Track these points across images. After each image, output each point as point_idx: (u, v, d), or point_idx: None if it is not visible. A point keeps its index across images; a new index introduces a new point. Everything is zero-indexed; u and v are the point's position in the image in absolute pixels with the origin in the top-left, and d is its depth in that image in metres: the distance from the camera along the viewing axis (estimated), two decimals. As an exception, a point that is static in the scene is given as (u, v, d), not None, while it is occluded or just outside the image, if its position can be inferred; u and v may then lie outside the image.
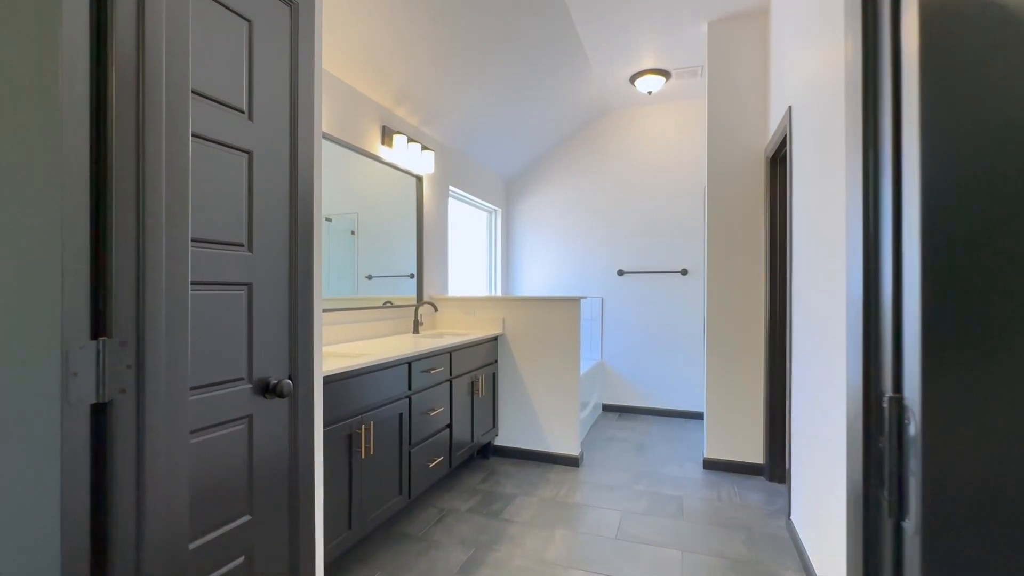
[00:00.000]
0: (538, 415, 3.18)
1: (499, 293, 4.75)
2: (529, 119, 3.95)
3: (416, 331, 3.05)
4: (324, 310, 2.45)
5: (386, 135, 2.95)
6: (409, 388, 2.20)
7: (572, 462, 3.09)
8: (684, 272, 4.27)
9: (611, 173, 4.53)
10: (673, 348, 4.31)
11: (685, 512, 2.46)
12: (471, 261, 4.45)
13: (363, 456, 1.86)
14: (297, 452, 1.31)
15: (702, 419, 4.14)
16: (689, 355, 4.27)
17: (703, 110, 4.22)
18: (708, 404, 3.05)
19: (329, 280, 2.61)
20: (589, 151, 4.60)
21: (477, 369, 2.94)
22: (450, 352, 2.59)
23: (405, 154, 3.02)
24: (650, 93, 3.84)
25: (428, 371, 2.35)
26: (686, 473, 2.99)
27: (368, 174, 2.86)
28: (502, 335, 3.26)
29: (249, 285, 1.18)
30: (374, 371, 1.96)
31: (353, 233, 2.81)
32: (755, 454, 2.95)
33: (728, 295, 3.00)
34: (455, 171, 3.84)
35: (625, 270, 4.48)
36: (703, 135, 4.20)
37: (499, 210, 4.76)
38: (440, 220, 3.61)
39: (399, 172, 3.12)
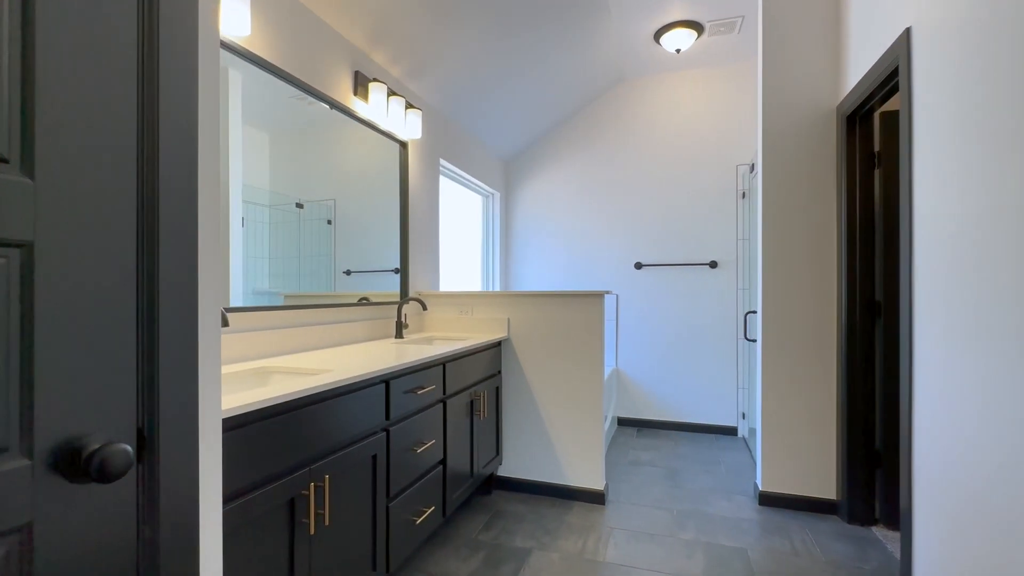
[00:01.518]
0: (552, 439, 2.56)
1: (498, 289, 4.12)
2: (534, 84, 3.33)
3: (400, 335, 2.41)
4: (271, 309, 1.80)
5: (360, 84, 2.30)
6: (387, 417, 1.56)
7: (596, 498, 2.47)
8: (713, 264, 3.68)
9: (628, 152, 3.92)
10: (700, 353, 3.72)
11: (757, 574, 1.85)
12: (464, 253, 3.81)
13: (313, 530, 1.21)
14: (157, 565, 0.67)
15: (735, 435, 3.56)
16: (719, 360, 3.67)
17: (738, 75, 3.64)
18: (763, 424, 2.46)
19: (300, 278, 1.99)
20: (602, 126, 3.99)
21: (478, 383, 2.30)
22: (444, 363, 1.95)
23: (385, 112, 2.38)
24: (678, 51, 3.24)
25: (415, 391, 1.72)
26: (740, 511, 2.38)
27: (342, 141, 2.20)
28: (507, 339, 2.63)
29: (26, 247, 0.54)
30: (333, 396, 1.32)
31: (330, 223, 2.17)
32: (826, 487, 2.35)
33: (789, 290, 2.41)
34: (446, 141, 3.20)
35: (644, 263, 3.88)
36: (737, 106, 3.62)
37: (497, 194, 4.12)
38: (429, 199, 2.97)
39: (379, 135, 2.47)
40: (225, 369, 1.46)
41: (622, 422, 3.90)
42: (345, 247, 2.27)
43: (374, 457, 1.49)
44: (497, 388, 2.55)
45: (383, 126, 2.47)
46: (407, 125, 2.58)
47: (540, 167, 4.16)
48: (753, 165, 3.22)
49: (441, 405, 1.93)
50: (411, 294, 2.75)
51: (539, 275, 4.16)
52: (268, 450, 1.09)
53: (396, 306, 2.58)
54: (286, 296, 1.91)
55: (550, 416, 2.56)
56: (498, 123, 3.64)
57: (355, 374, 1.38)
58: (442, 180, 3.37)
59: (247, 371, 1.48)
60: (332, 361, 1.64)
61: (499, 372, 2.60)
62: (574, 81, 3.58)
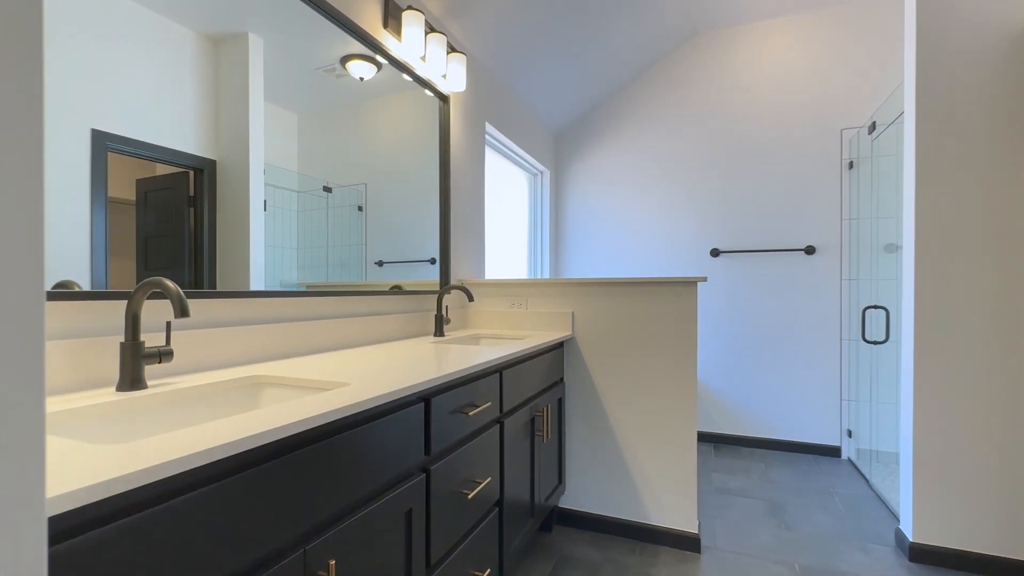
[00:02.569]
0: (630, 465, 2.03)
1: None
2: (591, 39, 2.79)
3: (440, 332, 1.93)
4: (273, 295, 1.35)
5: (391, 14, 1.83)
6: (427, 451, 1.07)
7: (689, 544, 1.92)
8: (809, 250, 3.05)
9: (701, 120, 3.33)
10: (792, 356, 3.10)
11: None
12: (508, 240, 3.30)
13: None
14: None
15: (838, 456, 2.93)
16: (817, 366, 3.04)
17: (846, 16, 2.99)
18: (915, 454, 1.85)
19: (328, 268, 1.62)
20: (670, 91, 3.41)
21: (538, 395, 1.80)
22: (501, 371, 1.45)
23: (423, 51, 1.89)
24: (776, -13, 2.64)
25: (464, 410, 1.22)
26: (885, 569, 1.79)
27: (374, 117, 1.80)
28: (571, 339, 2.12)
29: None
30: (350, 426, 0.84)
31: (360, 209, 1.76)
32: (1017, 545, 1.73)
33: (957, 280, 1.79)
34: (493, 104, 2.70)
35: (722, 249, 3.28)
36: (843, 56, 2.98)
37: (546, 171, 3.60)
38: (474, 170, 2.48)
39: (415, 95, 1.99)
40: (204, 378, 1.01)
41: (698, 436, 3.31)
42: (377, 236, 1.87)
43: (408, 513, 1.00)
44: (560, 400, 2.04)
45: (420, 71, 1.99)
46: (449, 73, 2.09)
47: (596, 140, 3.61)
48: (873, 124, 2.58)
49: (498, 427, 1.43)
50: (453, 281, 2.27)
51: (594, 265, 3.62)
52: (232, 527, 0.62)
53: (435, 296, 2.10)
54: (308, 286, 1.51)
55: (626, 435, 2.03)
56: (549, 86, 3.12)
57: (382, 391, 0.89)
58: (487, 150, 2.87)
59: (231, 383, 1.02)
60: (353, 367, 1.16)
61: (561, 380, 2.09)
62: (637, 37, 3.02)
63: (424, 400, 1.07)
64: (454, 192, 2.28)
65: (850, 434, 2.95)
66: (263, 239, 1.34)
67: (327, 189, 1.61)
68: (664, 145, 3.42)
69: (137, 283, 1.00)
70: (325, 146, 1.59)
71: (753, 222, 3.20)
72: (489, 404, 1.31)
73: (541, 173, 3.61)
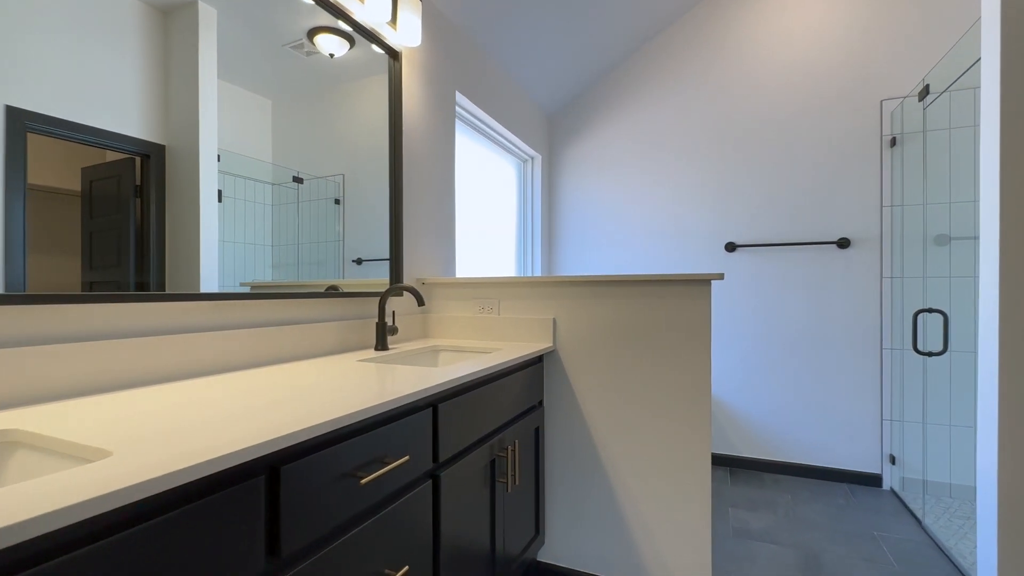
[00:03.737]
0: (625, 509, 1.61)
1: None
2: (589, 7, 2.37)
3: (382, 345, 1.52)
4: (171, 298, 0.95)
5: (313, -62, 1.43)
6: (273, 551, 0.66)
7: (701, 618, 1.49)
8: (843, 243, 2.60)
9: (713, 96, 2.89)
10: (822, 367, 2.65)
11: None
12: (492, 233, 2.89)
13: None
14: None
15: (879, 486, 2.48)
16: (853, 379, 2.59)
17: (881, -29, 2.53)
18: (1002, 498, 1.40)
19: (300, 268, 1.44)
20: (676, 64, 2.97)
21: (504, 428, 1.38)
22: (434, 404, 1.04)
23: (358, -11, 1.49)
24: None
25: (356, 473, 0.81)
26: (965, 663, 1.35)
27: (352, 102, 1.63)
28: (552, 351, 1.70)
29: None
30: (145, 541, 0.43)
31: (338, 202, 1.59)
32: None
33: (1059, 269, 1.35)
34: (467, 71, 2.29)
35: (739, 243, 2.83)
36: (884, 14, 2.52)
37: (538, 156, 3.19)
38: (440, 147, 2.07)
39: (348, 35, 1.59)
40: None
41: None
42: (357, 231, 1.65)
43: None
44: (537, 431, 1.62)
45: (358, 15, 1.59)
46: (399, 24, 1.69)
47: (594, 122, 3.19)
48: (926, 89, 2.12)
49: (429, 484, 1.01)
50: (406, 280, 1.86)
51: (593, 263, 3.19)
52: None
53: (377, 299, 1.69)
54: (254, 287, 1.26)
55: (621, 471, 1.61)
56: (538, 58, 2.70)
57: (164, 470, 0.49)
58: (462, 131, 2.46)
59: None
60: (188, 408, 0.76)
61: (539, 404, 1.67)
62: (641, 1, 2.60)
63: (272, 470, 0.67)
64: (411, 173, 1.88)
65: (893, 460, 2.49)
66: (216, 234, 1.17)
67: (298, 180, 1.42)
68: (672, 125, 2.98)
69: (82, 283, 0.91)
70: (300, 134, 1.42)
71: (775, 211, 2.75)
72: (407, 459, 0.89)
73: (532, 159, 3.20)
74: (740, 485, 2.57)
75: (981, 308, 1.48)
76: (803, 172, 2.69)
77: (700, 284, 1.52)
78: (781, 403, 2.72)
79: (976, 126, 2.34)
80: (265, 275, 1.31)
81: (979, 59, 1.56)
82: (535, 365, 1.62)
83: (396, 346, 1.60)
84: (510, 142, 2.89)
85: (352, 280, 1.60)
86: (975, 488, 2.36)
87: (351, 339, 1.54)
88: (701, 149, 2.91)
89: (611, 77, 3.13)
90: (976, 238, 2.35)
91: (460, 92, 2.20)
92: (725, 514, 2.23)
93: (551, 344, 1.68)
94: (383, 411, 0.83)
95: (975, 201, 2.36)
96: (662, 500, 1.56)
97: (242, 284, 1.24)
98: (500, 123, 2.62)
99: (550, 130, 3.32)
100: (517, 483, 1.40)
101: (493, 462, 1.30)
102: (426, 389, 0.95)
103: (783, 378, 2.72)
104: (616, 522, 1.62)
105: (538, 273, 3.19)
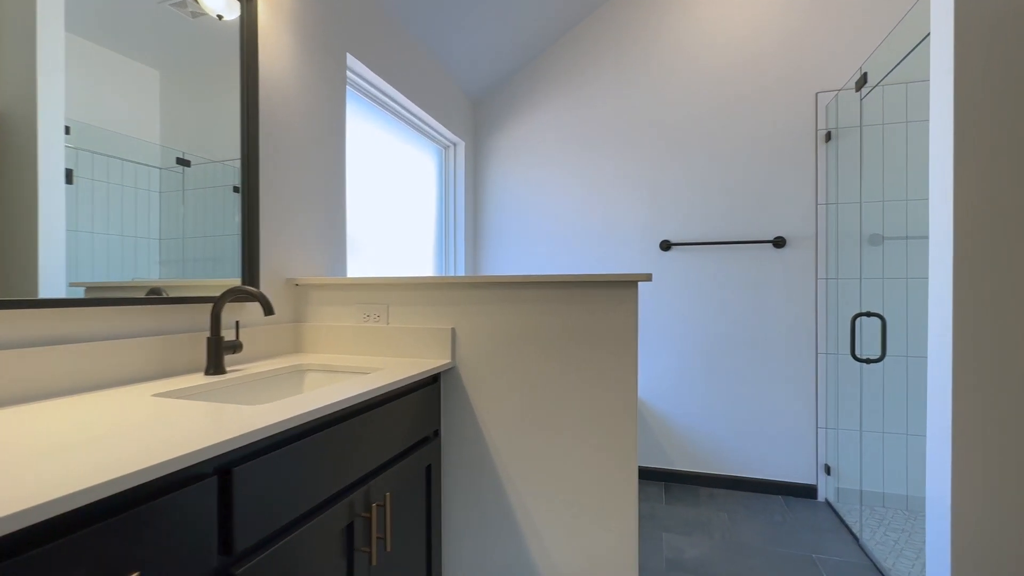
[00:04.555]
0: (539, 563, 1.32)
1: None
2: (511, -52, 2.08)
3: (217, 369, 1.14)
4: None
5: None
6: None
7: None
8: (779, 243, 2.46)
9: (649, 85, 2.69)
10: (757, 373, 2.50)
11: None
12: (409, 228, 2.54)
13: None
14: None
15: (814, 497, 2.36)
16: (787, 386, 2.46)
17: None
18: (956, 516, 1.23)
19: (185, 266, 1.19)
20: (607, 50, 2.75)
21: (372, 476, 1.05)
22: (224, 472, 0.69)
23: None
24: None
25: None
26: None
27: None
28: (450, 368, 1.39)
29: None
30: None
31: (237, 190, 1.33)
32: None
33: (1014, 280, 1.19)
34: (364, 32, 1.93)
35: (674, 241, 2.65)
36: (813, 11, 2.40)
37: (461, 143, 2.87)
38: (324, 119, 1.70)
39: None
40: None
41: (642, 473, 2.67)
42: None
43: None
44: (429, 469, 1.30)
45: (186, -67, 1.20)
46: (253, -49, 1.31)
47: (523, 110, 2.91)
48: (864, 78, 1.99)
49: (212, 593, 0.67)
50: (263, 282, 1.48)
51: (523, 263, 2.91)
52: None
53: (240, 306, 1.31)
54: (89, 289, 0.99)
55: (534, 516, 1.33)
56: (460, 35, 2.38)
57: None
58: (362, 107, 2.10)
59: None
60: None
61: (436, 434, 1.35)
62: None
63: None
64: (280, 147, 1.50)
65: (828, 470, 2.38)
66: (64, 223, 0.94)
67: (183, 162, 1.19)
68: (604, 116, 2.75)
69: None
70: (196, 112, 1.22)
71: (711, 209, 2.58)
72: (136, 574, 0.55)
73: (454, 145, 2.87)
74: (675, 503, 2.37)
75: (932, 312, 1.31)
76: (738, 168, 2.53)
77: (625, 286, 1.26)
78: (717, 411, 2.56)
79: (909, 122, 2.26)
80: (151, 273, 1.11)
81: (926, 36, 1.40)
82: (429, 387, 1.30)
83: (241, 368, 1.22)
84: (427, 124, 2.55)
85: (200, 280, 1.21)
86: (906, 496, 2.28)
87: (178, 359, 1.15)
88: (634, 142, 2.70)
89: (540, 62, 2.86)
90: (909, 238, 2.27)
91: (354, 56, 1.84)
92: (658, 542, 2.01)
93: (450, 360, 1.37)
94: (80, 503, 0.48)
95: (907, 200, 2.29)
96: (584, 547, 1.29)
97: (72, 285, 0.96)
98: (414, 102, 2.28)
99: (475, 116, 3.01)
100: (390, 549, 1.07)
101: (351, 526, 0.96)
102: (196, 452, 0.60)
103: (719, 385, 2.56)
104: (523, 563, 1.33)
105: (461, 271, 2.87)
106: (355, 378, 1.11)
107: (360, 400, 0.95)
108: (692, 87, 2.60)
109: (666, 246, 2.63)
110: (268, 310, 1.12)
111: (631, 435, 1.26)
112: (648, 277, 1.24)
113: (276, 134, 1.46)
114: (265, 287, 1.42)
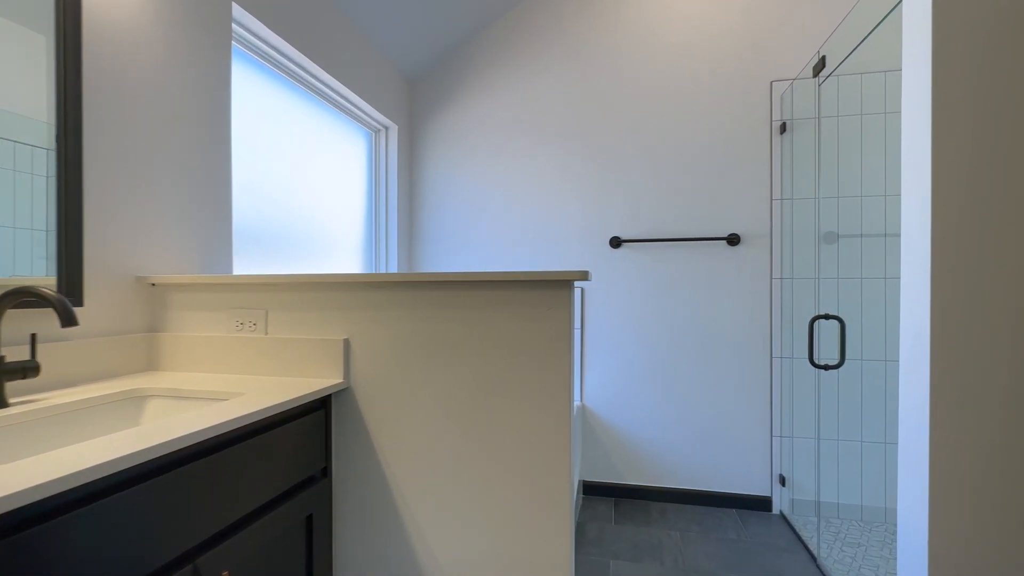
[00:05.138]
0: (451, 632, 1.07)
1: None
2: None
3: None
4: None
5: None
6: None
7: None
8: (733, 240, 2.32)
9: (594, 71, 2.49)
10: (712, 378, 2.35)
11: None
12: (329, 224, 2.24)
13: None
14: None
15: (768, 510, 2.23)
16: (742, 392, 2.32)
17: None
18: (934, 543, 1.07)
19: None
20: (554, 31, 2.53)
21: (230, 534, 0.76)
22: None
23: None
24: None
25: None
26: None
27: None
28: (344, 389, 1.11)
29: None
30: None
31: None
32: None
33: (1001, 279, 1.04)
34: (262, -14, 1.61)
35: (624, 238, 2.46)
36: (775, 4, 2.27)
37: (394, 127, 2.58)
38: (200, 75, 1.38)
39: None
40: None
41: (591, 489, 2.46)
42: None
43: None
44: (310, 520, 1.02)
45: None
46: None
47: (465, 93, 2.65)
48: (822, 62, 1.86)
49: None
50: (123, 279, 1.16)
51: (462, 260, 2.65)
52: None
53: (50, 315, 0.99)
54: None
55: (440, 564, 1.07)
56: (394, 4, 2.10)
57: None
58: (260, 73, 1.78)
59: None
60: None
61: (324, 473, 1.08)
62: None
63: None
64: (118, 104, 1.18)
65: (784, 481, 2.25)
66: None
67: None
68: (552, 103, 2.53)
69: None
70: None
71: (663, 204, 2.41)
72: None
73: (385, 129, 2.58)
74: (624, 522, 2.17)
75: (904, 315, 1.15)
76: (691, 160, 2.37)
77: (558, 287, 1.03)
78: (669, 419, 2.39)
79: (864, 114, 2.16)
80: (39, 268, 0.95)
81: (895, 6, 1.25)
82: (314, 414, 1.02)
83: (39, 398, 0.90)
84: (352, 104, 2.25)
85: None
86: (861, 507, 2.18)
87: (-56, 388, 0.82)
88: (584, 131, 2.49)
89: (484, 38, 2.61)
90: (864, 236, 2.17)
91: (241, 6, 1.52)
92: (606, 567, 1.80)
93: (342, 379, 1.09)
94: None
95: (861, 197, 2.19)
96: (505, 609, 1.05)
97: None
98: (332, 75, 1.97)
99: (411, 97, 2.72)
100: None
101: (161, 628, 0.67)
102: None
103: (671, 391, 2.39)
104: (440, 645, 1.07)
105: (394, 269, 2.58)
106: (209, 407, 0.82)
107: (205, 437, 0.67)
108: (643, 74, 2.42)
109: (616, 243, 2.44)
110: (67, 320, 0.82)
111: (563, 469, 1.03)
112: (585, 276, 1.01)
113: (112, 90, 1.14)
114: (97, 287, 1.09)
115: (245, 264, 1.65)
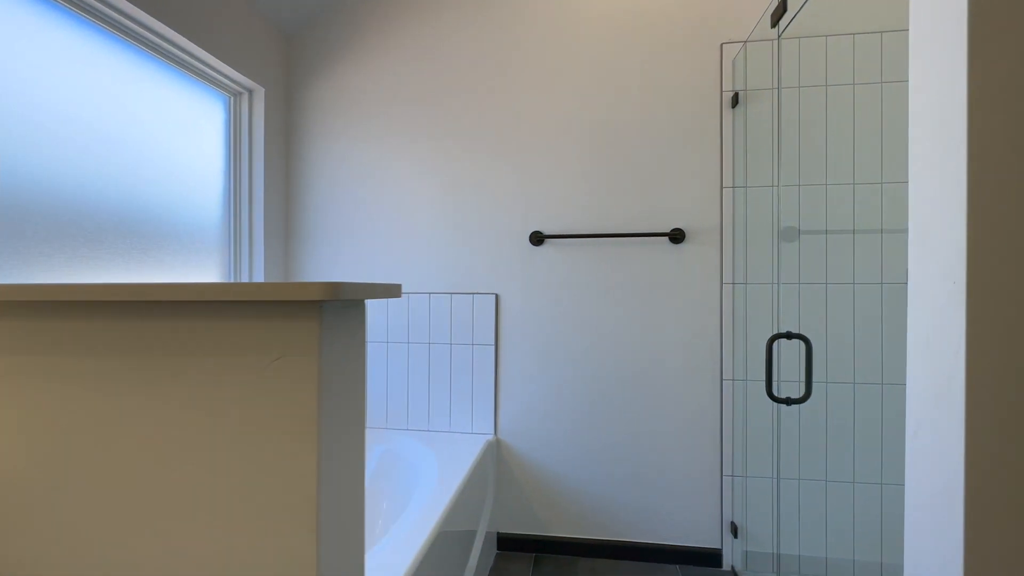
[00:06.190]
0: None
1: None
2: None
3: None
4: None
5: None
6: None
7: None
8: (676, 237, 1.90)
9: (516, 33, 2.02)
10: (650, 401, 1.93)
11: None
12: (168, 219, 1.68)
13: None
14: None
15: (719, 566, 1.82)
16: (686, 424, 1.91)
17: None
18: None
19: None
20: (468, -30, 2.05)
21: None
22: None
23: None
24: None
25: None
26: None
27: None
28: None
29: None
30: None
31: None
32: None
33: (1067, 279, 0.62)
34: None
35: (548, 233, 2.01)
36: (726, -87, 1.85)
37: (260, 90, 2.03)
38: None
39: None
40: None
41: (506, 543, 2.00)
42: None
43: None
44: None
45: None
46: None
47: (358, 52, 2.13)
48: (783, 4, 1.44)
49: None
50: None
51: (361, 264, 2.14)
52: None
53: None
54: None
55: None
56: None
57: None
58: (72, 27, 1.21)
59: None
60: None
61: None
62: None
63: None
64: None
65: (735, 530, 1.85)
66: None
67: None
68: (464, 66, 2.05)
69: None
70: None
71: (594, 193, 1.97)
72: None
73: (248, 93, 2.03)
74: (543, 592, 1.72)
75: (912, 329, 0.72)
76: (627, 142, 1.94)
77: (303, 314, 0.54)
78: (600, 457, 1.95)
79: (828, 86, 1.77)
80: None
81: None
82: None
83: None
84: (194, 57, 1.70)
85: None
86: (825, 559, 1.81)
87: None
88: (497, 104, 2.02)
89: (377, -16, 2.10)
90: (829, 232, 1.79)
91: None
92: (506, 674, 1.34)
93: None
94: None
95: (826, 185, 1.81)
96: None
97: None
98: (160, 19, 1.42)
99: (287, 54, 2.18)
100: None
101: None
102: None
103: (603, 420, 1.95)
104: None
105: (260, 279, 2.03)
106: None
107: None
108: (569, 37, 1.97)
109: (538, 239, 1.98)
110: None
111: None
112: (397, 291, 0.53)
113: None
114: None
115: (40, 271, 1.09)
